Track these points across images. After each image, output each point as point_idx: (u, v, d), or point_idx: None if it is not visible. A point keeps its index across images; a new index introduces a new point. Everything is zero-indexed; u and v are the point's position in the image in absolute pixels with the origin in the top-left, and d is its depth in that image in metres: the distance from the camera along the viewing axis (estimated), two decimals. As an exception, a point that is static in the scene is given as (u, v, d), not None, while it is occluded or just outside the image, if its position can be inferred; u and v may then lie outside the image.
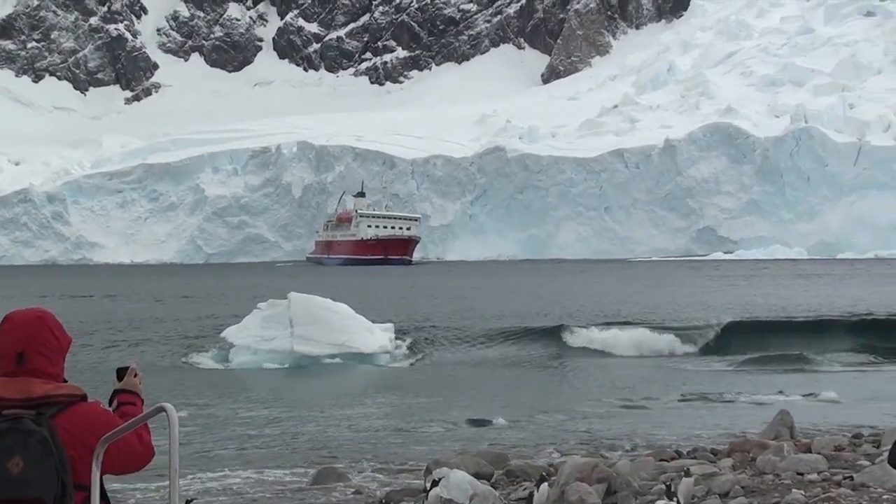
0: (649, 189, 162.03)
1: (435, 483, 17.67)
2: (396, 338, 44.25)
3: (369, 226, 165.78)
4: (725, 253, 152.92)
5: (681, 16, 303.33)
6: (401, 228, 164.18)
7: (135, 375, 6.01)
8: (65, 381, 5.68)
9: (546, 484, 16.80)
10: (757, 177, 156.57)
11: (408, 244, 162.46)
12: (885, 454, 18.28)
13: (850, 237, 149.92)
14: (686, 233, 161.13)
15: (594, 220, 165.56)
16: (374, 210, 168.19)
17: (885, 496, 16.55)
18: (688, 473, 17.87)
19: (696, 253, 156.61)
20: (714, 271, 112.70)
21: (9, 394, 5.48)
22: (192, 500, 16.07)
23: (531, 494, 16.88)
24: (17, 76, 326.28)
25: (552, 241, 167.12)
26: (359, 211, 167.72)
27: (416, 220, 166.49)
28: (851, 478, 17.55)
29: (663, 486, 17.79)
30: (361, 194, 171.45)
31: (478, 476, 18.86)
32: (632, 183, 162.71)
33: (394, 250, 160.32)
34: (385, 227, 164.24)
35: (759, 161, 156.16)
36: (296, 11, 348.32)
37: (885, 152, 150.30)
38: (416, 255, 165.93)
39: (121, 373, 6.06)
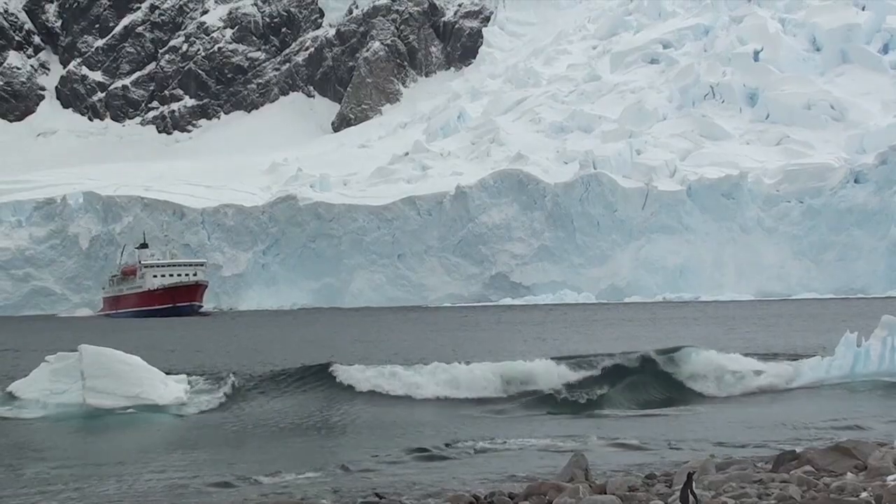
0: (442, 236, 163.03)
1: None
2: (190, 389, 43.50)
3: (155, 276, 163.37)
4: (514, 298, 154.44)
5: (470, 63, 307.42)
6: (187, 275, 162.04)
7: None
8: None
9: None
10: (548, 222, 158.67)
11: (196, 290, 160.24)
12: (677, 493, 18.64)
13: (640, 281, 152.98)
14: (479, 279, 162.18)
15: (387, 267, 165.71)
16: (158, 260, 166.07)
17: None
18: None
19: (490, 299, 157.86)
20: (498, 316, 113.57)
21: None
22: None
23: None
24: None
25: (346, 289, 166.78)
26: (143, 262, 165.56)
27: (201, 266, 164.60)
28: (645, 517, 17.81)
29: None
30: (144, 245, 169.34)
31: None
32: (424, 230, 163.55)
33: (181, 297, 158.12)
34: (171, 276, 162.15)
35: (549, 207, 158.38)
36: (79, 60, 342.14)
37: (671, 196, 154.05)
38: (209, 306, 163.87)
39: None
